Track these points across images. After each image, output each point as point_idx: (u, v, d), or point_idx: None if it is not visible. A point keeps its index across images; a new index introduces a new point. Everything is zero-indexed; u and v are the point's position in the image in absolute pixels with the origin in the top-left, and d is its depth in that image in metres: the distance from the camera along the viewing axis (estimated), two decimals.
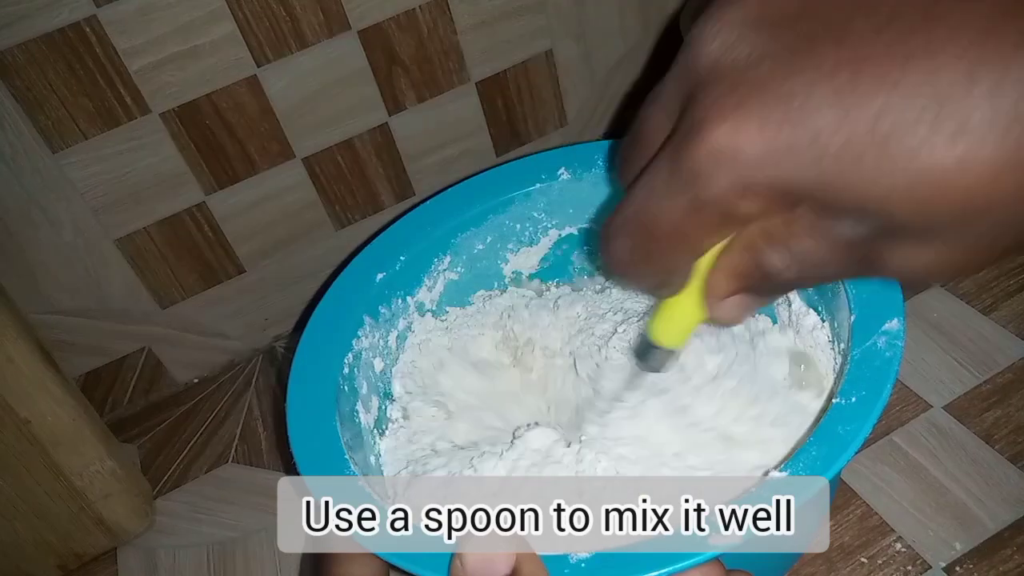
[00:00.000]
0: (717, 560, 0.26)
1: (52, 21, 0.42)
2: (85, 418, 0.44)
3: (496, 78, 0.55)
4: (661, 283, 0.23)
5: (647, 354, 0.28)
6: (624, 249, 0.22)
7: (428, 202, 0.44)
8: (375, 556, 0.29)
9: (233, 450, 0.52)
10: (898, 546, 0.38)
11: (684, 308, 0.24)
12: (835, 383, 0.33)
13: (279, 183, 0.52)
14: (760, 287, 0.22)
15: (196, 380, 0.57)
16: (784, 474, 0.28)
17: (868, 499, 0.40)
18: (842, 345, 0.34)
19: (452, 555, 0.24)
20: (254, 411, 0.54)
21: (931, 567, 0.37)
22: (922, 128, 0.17)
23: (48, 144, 0.45)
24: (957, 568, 0.37)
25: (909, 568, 0.37)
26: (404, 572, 0.29)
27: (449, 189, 0.44)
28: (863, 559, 0.38)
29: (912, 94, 0.17)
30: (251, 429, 0.53)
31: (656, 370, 0.28)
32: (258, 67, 0.48)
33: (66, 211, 0.48)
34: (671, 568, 0.26)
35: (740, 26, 0.19)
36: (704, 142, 0.19)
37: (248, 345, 0.58)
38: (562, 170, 0.43)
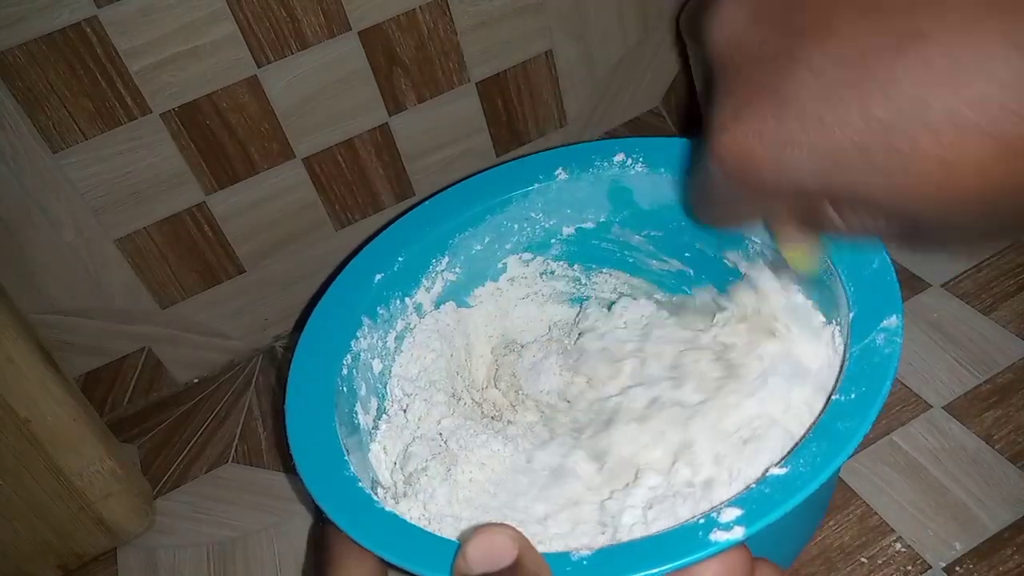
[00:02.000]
0: (743, 545, 0.26)
1: (53, 22, 0.42)
2: (85, 418, 0.44)
3: (496, 78, 0.55)
4: (731, 229, 0.28)
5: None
6: (696, 207, 0.29)
7: (426, 203, 0.44)
8: (374, 556, 0.29)
9: (233, 450, 0.52)
10: (898, 546, 0.38)
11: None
12: (835, 380, 0.33)
13: (279, 183, 0.52)
14: (821, 233, 0.25)
15: (196, 380, 0.57)
16: (785, 470, 0.28)
17: (868, 499, 0.40)
18: (842, 342, 0.34)
19: (456, 553, 0.24)
20: (254, 411, 0.54)
21: (931, 567, 0.37)
22: (910, 130, 0.17)
23: (48, 144, 0.45)
24: (957, 568, 0.37)
25: (909, 568, 0.37)
26: (404, 572, 0.29)
27: (447, 189, 0.44)
28: (863, 559, 0.38)
29: (897, 94, 0.17)
30: (251, 429, 0.53)
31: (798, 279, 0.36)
32: (258, 67, 0.48)
33: (66, 211, 0.48)
34: (671, 565, 0.26)
35: (746, 14, 0.20)
36: (714, 149, 0.21)
37: (248, 345, 0.58)
38: (559, 170, 0.43)
